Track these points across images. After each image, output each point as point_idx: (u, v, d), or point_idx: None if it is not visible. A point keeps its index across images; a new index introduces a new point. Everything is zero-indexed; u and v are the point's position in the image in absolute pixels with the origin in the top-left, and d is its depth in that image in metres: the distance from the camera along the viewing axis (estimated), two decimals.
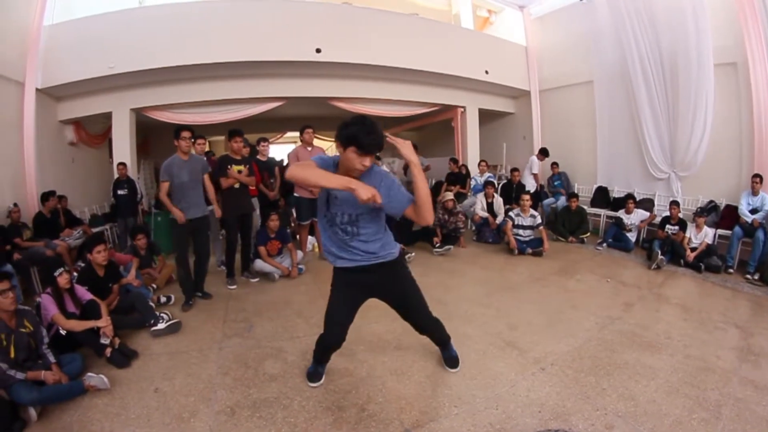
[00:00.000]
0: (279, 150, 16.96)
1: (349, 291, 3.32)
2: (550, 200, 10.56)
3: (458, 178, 11.07)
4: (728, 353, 4.13)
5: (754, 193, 7.17)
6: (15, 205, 7.09)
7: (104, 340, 4.12)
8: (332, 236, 3.13)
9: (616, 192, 10.04)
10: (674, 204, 7.77)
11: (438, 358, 4.03)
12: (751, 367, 3.87)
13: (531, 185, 10.74)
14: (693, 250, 7.17)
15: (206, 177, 5.74)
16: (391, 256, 3.18)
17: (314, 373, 3.69)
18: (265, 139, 7.85)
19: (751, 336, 4.54)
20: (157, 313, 4.92)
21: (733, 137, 7.98)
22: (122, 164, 8.86)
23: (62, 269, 4.28)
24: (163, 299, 5.75)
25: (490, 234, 8.93)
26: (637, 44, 9.02)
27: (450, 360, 3.83)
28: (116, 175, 8.87)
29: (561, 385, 3.57)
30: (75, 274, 5.55)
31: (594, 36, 10.21)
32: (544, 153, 11.00)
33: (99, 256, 5.01)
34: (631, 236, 8.42)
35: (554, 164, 10.95)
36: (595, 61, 10.34)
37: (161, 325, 4.76)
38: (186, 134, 5.43)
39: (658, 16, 8.66)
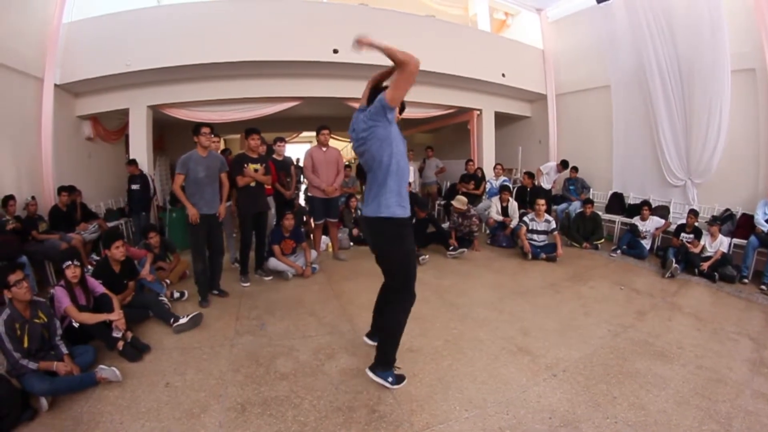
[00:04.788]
0: (295, 149, 17.01)
1: None
2: (562, 205, 10.49)
3: (472, 178, 11.05)
4: (741, 365, 4.10)
5: None
6: (32, 198, 7.18)
7: (116, 334, 4.16)
8: None
9: (632, 198, 9.96)
10: (692, 213, 7.68)
11: (450, 362, 4.04)
12: (764, 380, 3.82)
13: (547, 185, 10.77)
14: (707, 259, 7.11)
15: (224, 176, 5.79)
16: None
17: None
18: (282, 139, 7.88)
19: (764, 348, 4.49)
20: (176, 314, 4.95)
21: (751, 144, 7.89)
22: (131, 162, 8.91)
23: (70, 262, 4.31)
24: (176, 294, 5.79)
25: (504, 238, 8.91)
26: (655, 49, 8.95)
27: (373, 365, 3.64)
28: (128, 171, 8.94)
29: (572, 392, 3.56)
30: (89, 267, 5.61)
31: (611, 40, 10.14)
32: (564, 165, 10.95)
33: (117, 251, 5.06)
34: (646, 243, 8.35)
35: (573, 168, 10.90)
36: (611, 66, 10.27)
37: (183, 320, 4.80)
38: (206, 130, 5.48)
39: (675, 21, 8.59)
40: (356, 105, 3.65)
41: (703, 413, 3.26)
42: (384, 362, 3.54)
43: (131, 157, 9.13)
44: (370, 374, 3.55)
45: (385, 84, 3.41)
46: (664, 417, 3.21)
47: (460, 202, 8.47)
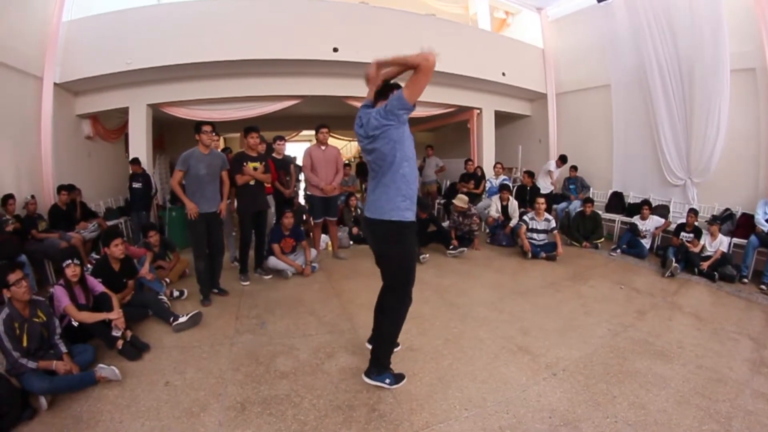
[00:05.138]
0: (294, 148, 17.01)
1: None
2: (562, 204, 10.49)
3: (472, 177, 11.06)
4: (741, 365, 4.10)
5: None
6: (32, 196, 7.17)
7: (116, 333, 4.16)
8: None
9: (632, 197, 9.95)
10: (692, 212, 7.67)
11: (450, 361, 4.03)
12: (764, 379, 3.82)
13: (545, 187, 10.70)
14: (707, 258, 7.11)
15: (225, 174, 5.76)
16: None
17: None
18: (282, 138, 7.87)
19: (764, 348, 4.49)
20: (175, 313, 4.95)
21: (752, 144, 7.88)
22: (134, 161, 8.94)
23: (70, 261, 4.30)
24: (176, 293, 5.80)
25: (504, 237, 8.91)
26: (655, 48, 8.94)
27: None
28: (131, 170, 8.94)
29: (572, 391, 3.56)
30: (89, 266, 5.60)
31: (611, 40, 10.13)
32: (563, 160, 10.93)
33: (116, 249, 5.05)
34: (646, 243, 8.35)
35: (573, 168, 10.90)
36: (612, 65, 10.26)
37: (183, 318, 4.80)
38: (207, 128, 5.46)
39: (675, 21, 8.57)
40: (357, 103, 3.64)
41: (703, 413, 3.26)
42: (379, 365, 3.53)
43: (132, 156, 9.12)
44: (366, 380, 3.54)
45: (393, 81, 3.38)
46: (664, 416, 3.21)
47: (461, 200, 8.47)
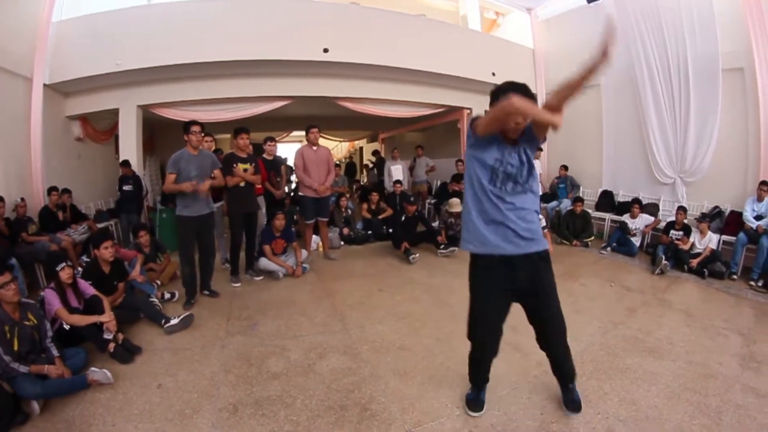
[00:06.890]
0: (283, 149, 16.98)
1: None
2: (553, 203, 10.52)
3: (463, 178, 11.04)
4: (730, 360, 4.12)
5: (759, 199, 7.10)
6: (21, 199, 7.13)
7: (107, 335, 4.14)
8: None
9: (621, 196, 9.99)
10: (681, 210, 7.71)
11: (441, 360, 4.04)
12: (753, 374, 3.85)
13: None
14: (697, 255, 7.16)
15: (218, 172, 5.69)
16: None
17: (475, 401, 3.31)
18: (272, 138, 7.86)
19: (753, 343, 4.52)
20: (167, 315, 4.93)
21: (740, 143, 7.92)
22: (125, 164, 8.91)
23: (64, 264, 4.29)
24: (167, 295, 5.76)
25: None
26: (645, 48, 8.99)
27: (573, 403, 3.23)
28: (121, 172, 8.90)
29: None
30: (79, 269, 5.58)
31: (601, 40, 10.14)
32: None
33: (106, 252, 5.02)
34: (635, 241, 8.39)
35: (563, 167, 10.93)
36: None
37: (174, 321, 4.77)
38: (196, 128, 5.38)
39: (666, 21, 8.60)
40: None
41: (693, 407, 3.29)
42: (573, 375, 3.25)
43: (122, 158, 9.08)
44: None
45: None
46: (655, 412, 3.23)
47: (456, 205, 8.46)
